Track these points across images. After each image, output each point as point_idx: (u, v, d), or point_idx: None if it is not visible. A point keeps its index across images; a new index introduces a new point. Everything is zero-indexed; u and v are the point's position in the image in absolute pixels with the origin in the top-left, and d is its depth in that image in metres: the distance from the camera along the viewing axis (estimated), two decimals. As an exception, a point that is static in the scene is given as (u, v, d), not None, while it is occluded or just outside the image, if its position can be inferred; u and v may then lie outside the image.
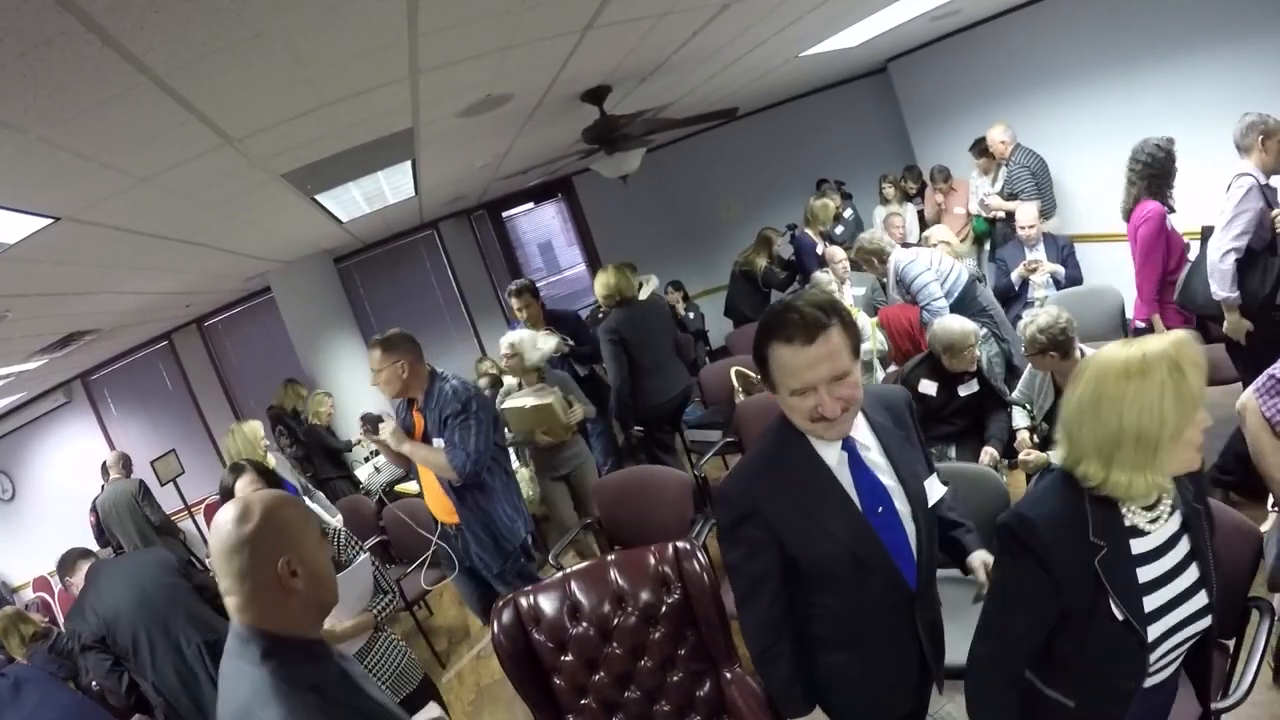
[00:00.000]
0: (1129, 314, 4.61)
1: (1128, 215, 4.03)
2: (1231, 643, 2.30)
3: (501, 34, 2.59)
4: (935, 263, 4.69)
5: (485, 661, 4.53)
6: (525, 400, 4.24)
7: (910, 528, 1.77)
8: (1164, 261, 3.91)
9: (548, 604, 2.57)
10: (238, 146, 2.70)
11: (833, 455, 1.74)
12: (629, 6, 2.79)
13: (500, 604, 2.63)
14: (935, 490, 1.86)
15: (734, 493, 1.81)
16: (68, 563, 4.05)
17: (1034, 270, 5.10)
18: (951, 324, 3.80)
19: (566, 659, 2.54)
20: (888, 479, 1.76)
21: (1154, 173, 3.88)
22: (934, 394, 3.89)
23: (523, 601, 2.60)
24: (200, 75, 1.94)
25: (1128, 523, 1.53)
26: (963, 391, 3.87)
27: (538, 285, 5.55)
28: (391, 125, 3.30)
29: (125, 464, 6.75)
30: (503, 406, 4.30)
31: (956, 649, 1.92)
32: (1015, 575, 1.59)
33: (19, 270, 3.17)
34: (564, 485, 4.52)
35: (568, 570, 2.64)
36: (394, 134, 3.43)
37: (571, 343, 5.10)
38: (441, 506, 3.59)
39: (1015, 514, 1.57)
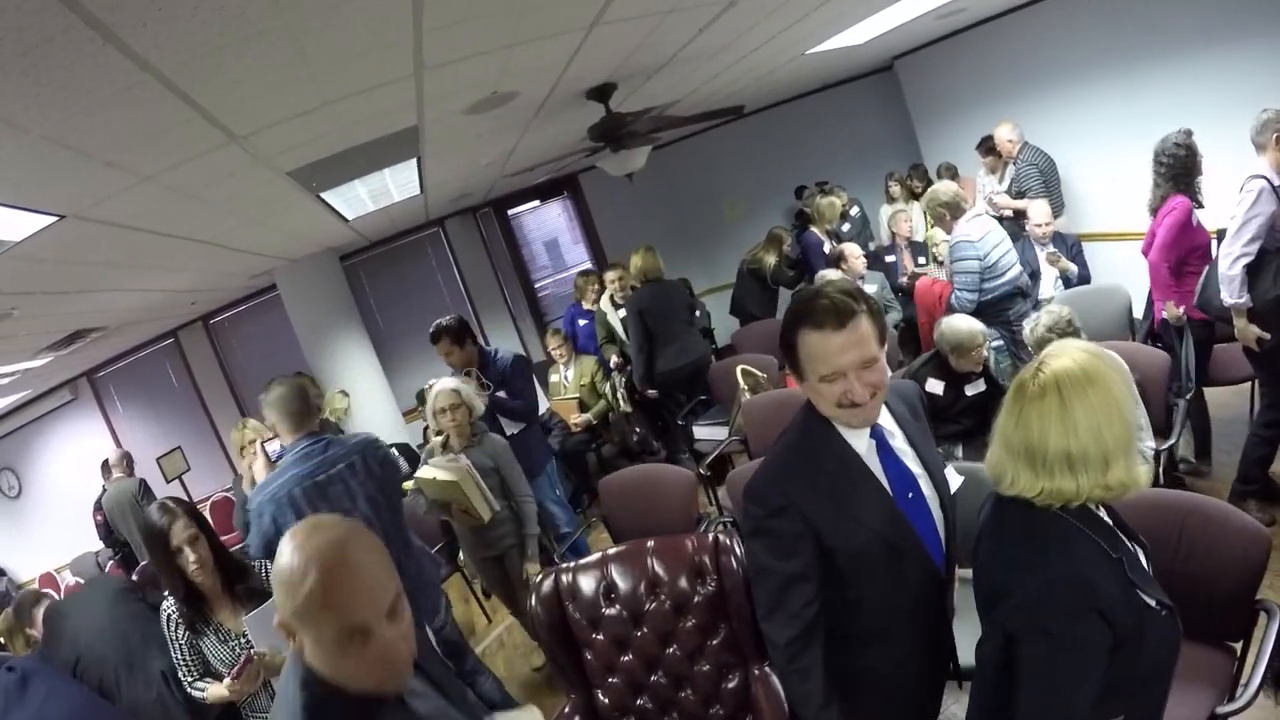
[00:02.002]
0: (1136, 313, 4.59)
1: (1154, 212, 3.97)
2: (1239, 645, 2.29)
3: (507, 31, 2.59)
4: (992, 251, 4.38)
5: (490, 659, 4.53)
6: (438, 471, 3.60)
7: (938, 513, 1.78)
8: (1176, 251, 3.87)
9: (585, 581, 2.62)
10: (242, 144, 2.69)
11: (862, 443, 1.73)
12: (634, 3, 2.78)
13: (541, 576, 2.72)
14: (954, 479, 1.87)
15: (765, 487, 1.75)
16: (24, 610, 3.70)
17: (1056, 261, 5.05)
18: (960, 324, 3.78)
19: (597, 637, 2.60)
20: (914, 465, 1.76)
21: (1178, 171, 3.82)
22: (941, 393, 3.88)
23: (563, 577, 2.66)
24: (204, 72, 1.94)
25: (1102, 515, 1.53)
26: (970, 391, 3.86)
27: (540, 284, 5.64)
28: (397, 123, 3.29)
29: (127, 463, 6.76)
30: (417, 474, 3.74)
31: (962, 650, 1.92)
32: (1071, 647, 1.41)
33: (24, 268, 3.17)
34: (499, 567, 3.91)
35: (607, 551, 2.69)
36: (399, 131, 3.43)
37: (500, 393, 4.40)
38: None
39: (1053, 581, 1.44)
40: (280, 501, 2.93)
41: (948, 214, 4.49)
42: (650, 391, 5.88)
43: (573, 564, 2.69)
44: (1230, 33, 4.67)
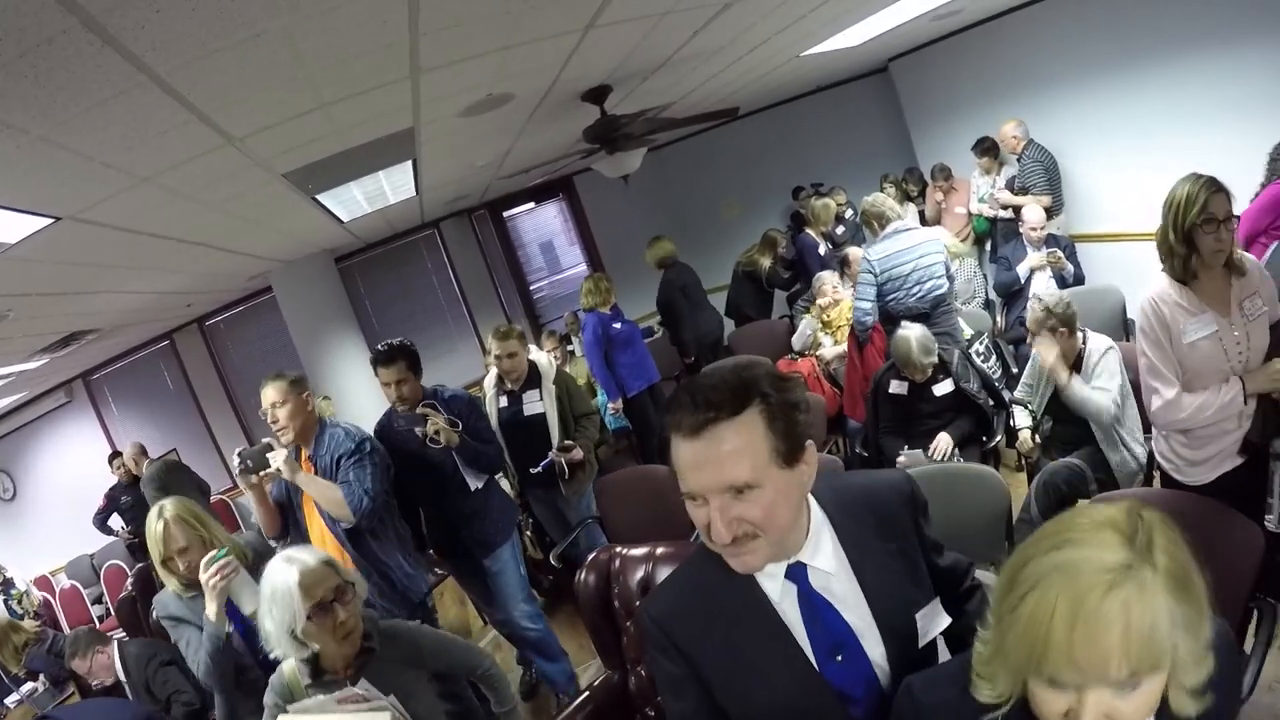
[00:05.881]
0: (1131, 314, 4.61)
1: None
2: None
3: (502, 33, 2.59)
4: (891, 269, 4.58)
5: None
6: None
7: (884, 677, 1.32)
8: (1253, 223, 3.65)
9: (631, 571, 2.65)
10: (239, 146, 2.69)
11: (774, 586, 1.31)
12: (630, 5, 2.79)
13: (600, 551, 2.78)
14: (936, 623, 1.38)
15: (651, 620, 1.39)
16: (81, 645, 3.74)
17: (1056, 261, 5.09)
18: (900, 343, 3.90)
19: (630, 627, 2.64)
20: (854, 615, 1.31)
21: None
22: (905, 393, 4.00)
23: (615, 560, 2.69)
24: (201, 75, 1.94)
25: None
26: (938, 391, 3.95)
27: (535, 286, 5.53)
28: (392, 125, 3.29)
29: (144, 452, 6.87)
30: None
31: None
32: None
33: (20, 270, 3.17)
34: None
35: (656, 548, 2.68)
36: (395, 133, 3.43)
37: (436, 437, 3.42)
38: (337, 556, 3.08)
39: None
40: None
41: (875, 222, 4.82)
42: (690, 359, 6.65)
43: (627, 550, 2.70)
44: (1228, 33, 4.65)
